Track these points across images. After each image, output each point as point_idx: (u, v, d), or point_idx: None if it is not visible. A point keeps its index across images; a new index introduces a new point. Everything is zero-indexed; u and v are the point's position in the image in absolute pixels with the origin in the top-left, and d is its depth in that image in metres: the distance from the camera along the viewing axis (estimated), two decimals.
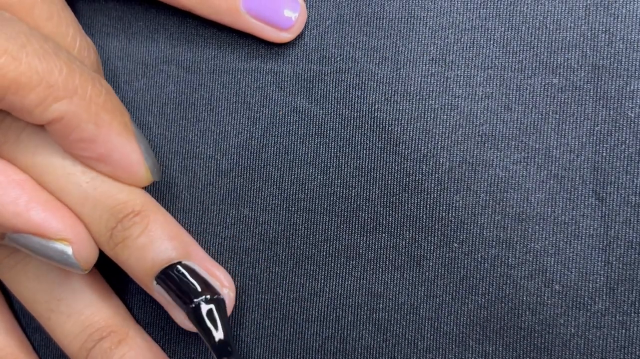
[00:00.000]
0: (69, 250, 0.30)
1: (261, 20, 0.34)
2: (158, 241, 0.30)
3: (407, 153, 0.33)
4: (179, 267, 0.30)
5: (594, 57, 0.32)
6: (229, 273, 0.35)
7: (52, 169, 0.30)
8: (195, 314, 0.30)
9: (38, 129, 0.30)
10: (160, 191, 0.35)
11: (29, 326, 0.36)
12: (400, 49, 0.33)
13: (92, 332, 0.33)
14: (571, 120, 0.32)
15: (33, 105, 0.28)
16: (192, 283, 0.30)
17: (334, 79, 0.34)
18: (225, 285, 0.32)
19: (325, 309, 0.34)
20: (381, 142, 0.33)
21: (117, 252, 0.31)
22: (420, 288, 0.33)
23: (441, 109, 0.33)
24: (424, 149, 0.33)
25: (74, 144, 0.29)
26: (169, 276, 0.30)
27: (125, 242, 0.30)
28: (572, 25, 0.33)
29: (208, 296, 0.30)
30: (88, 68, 0.30)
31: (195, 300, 0.30)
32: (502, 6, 0.33)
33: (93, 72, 0.30)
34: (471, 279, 0.33)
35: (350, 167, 0.34)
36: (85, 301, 0.33)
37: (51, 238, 0.30)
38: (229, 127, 0.35)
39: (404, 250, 0.33)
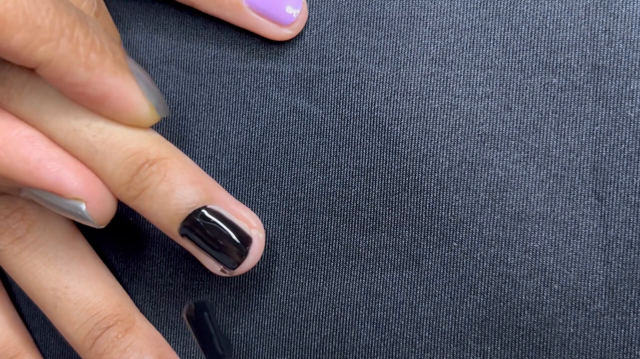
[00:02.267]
0: (82, 207, 0.29)
1: (263, 16, 0.34)
2: (179, 187, 0.29)
3: (407, 153, 0.33)
4: (204, 212, 0.30)
5: (594, 56, 0.32)
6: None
7: (58, 126, 0.29)
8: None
9: (40, 84, 0.30)
10: None
11: (28, 326, 0.36)
12: (400, 48, 0.33)
13: (99, 321, 0.33)
14: (571, 120, 0.32)
15: (20, 46, 0.27)
16: (219, 226, 0.30)
17: (334, 79, 0.34)
18: (253, 226, 0.31)
19: (324, 309, 0.34)
20: (381, 141, 0.33)
21: (138, 203, 0.30)
22: (419, 287, 0.33)
23: (441, 108, 0.33)
24: (423, 148, 0.33)
25: (67, 88, 0.28)
26: (195, 223, 0.30)
27: (145, 192, 0.30)
28: (571, 25, 0.32)
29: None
30: (80, 10, 0.29)
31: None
32: (502, 6, 0.33)
33: (82, 12, 0.29)
34: (470, 278, 0.33)
35: (350, 167, 0.34)
36: (93, 289, 0.33)
37: (64, 196, 0.29)
38: (229, 127, 0.35)
39: (403, 249, 0.33)
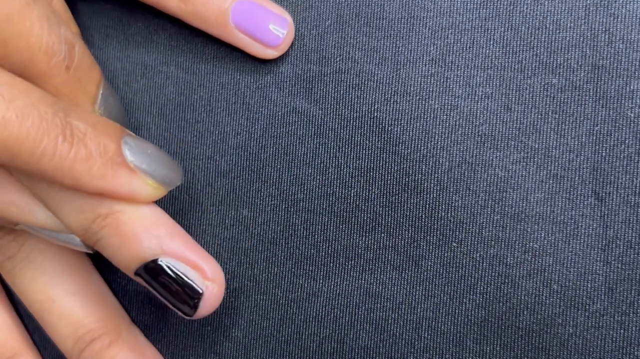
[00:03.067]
0: (76, 239, 0.31)
1: (249, 36, 0.34)
2: (129, 241, 0.30)
3: (407, 153, 0.33)
4: (153, 266, 0.30)
5: (594, 57, 0.32)
6: (228, 274, 0.35)
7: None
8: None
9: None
10: None
11: (27, 327, 0.36)
12: (400, 49, 0.33)
13: (83, 334, 0.33)
14: (571, 120, 0.32)
15: (5, 162, 0.27)
16: (167, 281, 0.30)
17: (334, 80, 0.34)
18: (207, 277, 0.31)
19: (323, 310, 0.34)
20: (381, 142, 0.33)
21: (97, 249, 0.31)
22: (418, 288, 0.33)
23: (441, 109, 0.33)
24: (423, 149, 0.33)
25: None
26: (144, 275, 0.30)
27: (98, 244, 0.30)
28: (571, 25, 0.32)
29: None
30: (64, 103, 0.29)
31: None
32: (501, 6, 0.33)
33: (66, 118, 0.29)
34: (470, 278, 0.33)
35: (349, 168, 0.34)
36: (79, 302, 0.34)
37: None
38: (228, 128, 0.35)
39: (402, 250, 0.33)
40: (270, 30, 0.34)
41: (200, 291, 0.30)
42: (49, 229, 0.31)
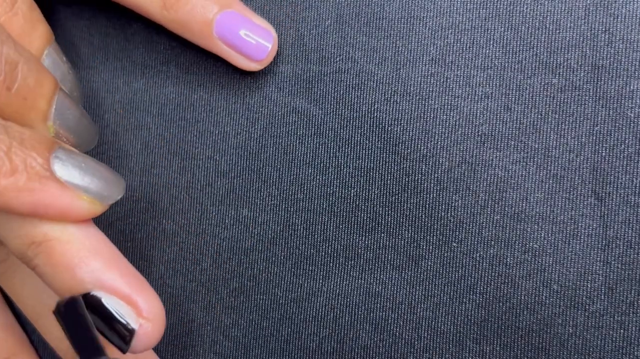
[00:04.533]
0: None
1: (233, 48, 0.33)
2: (60, 272, 0.28)
3: (407, 153, 0.33)
4: (82, 302, 0.28)
5: (594, 57, 0.32)
6: (228, 274, 0.35)
7: None
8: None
9: None
10: (159, 191, 0.35)
11: (25, 328, 0.36)
12: (400, 49, 0.33)
13: None
14: (571, 120, 0.32)
15: None
16: (97, 318, 0.29)
17: (334, 80, 0.34)
18: (142, 314, 0.29)
19: (323, 309, 0.34)
20: (381, 142, 0.33)
21: (35, 274, 0.30)
22: (418, 288, 0.33)
23: (441, 109, 0.33)
24: (423, 149, 0.33)
25: None
26: (74, 309, 0.28)
27: (35, 270, 0.29)
28: (571, 25, 0.32)
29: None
30: None
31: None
32: (501, 6, 0.33)
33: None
34: (469, 278, 0.33)
35: (349, 168, 0.34)
36: None
37: None
38: (228, 128, 0.35)
39: (402, 250, 0.33)
40: (254, 44, 0.33)
41: (133, 329, 0.29)
42: None
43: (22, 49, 0.29)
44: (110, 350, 0.31)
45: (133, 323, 0.29)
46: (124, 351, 0.29)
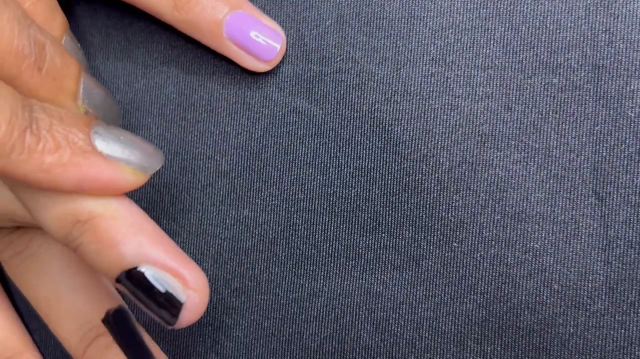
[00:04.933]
0: None
1: (242, 49, 0.34)
2: (107, 249, 0.29)
3: (407, 153, 0.33)
4: (131, 275, 0.29)
5: (594, 57, 0.32)
6: (229, 274, 0.35)
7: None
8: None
9: None
10: (160, 191, 0.35)
11: (28, 327, 0.36)
12: (401, 49, 0.33)
13: (88, 330, 0.33)
14: (571, 120, 0.32)
15: None
16: (146, 290, 0.29)
17: (334, 80, 0.34)
18: (189, 285, 0.29)
19: (324, 309, 0.34)
20: (381, 142, 0.33)
21: (78, 255, 0.30)
22: (419, 288, 0.33)
23: (441, 109, 0.33)
24: (424, 149, 0.33)
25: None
26: (124, 283, 0.29)
27: (79, 250, 0.29)
28: (572, 25, 0.32)
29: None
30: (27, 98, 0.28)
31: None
32: (502, 6, 0.33)
33: (32, 113, 0.28)
34: (470, 278, 0.33)
35: (350, 168, 0.34)
36: (84, 299, 0.34)
37: None
38: (229, 128, 0.35)
39: (403, 250, 0.33)
40: (264, 45, 0.33)
41: (181, 301, 0.29)
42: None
43: (47, 33, 0.30)
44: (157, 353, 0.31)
45: (181, 295, 0.29)
46: (172, 325, 0.29)
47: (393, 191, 0.33)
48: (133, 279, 0.29)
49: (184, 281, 0.29)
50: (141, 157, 0.30)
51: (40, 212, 0.29)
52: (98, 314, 0.33)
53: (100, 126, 0.29)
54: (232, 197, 0.35)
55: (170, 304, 0.29)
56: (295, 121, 0.34)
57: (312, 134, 0.34)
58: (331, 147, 0.34)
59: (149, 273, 0.29)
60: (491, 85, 0.33)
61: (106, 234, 0.29)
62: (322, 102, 0.34)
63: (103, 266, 0.29)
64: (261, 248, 0.34)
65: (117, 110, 0.33)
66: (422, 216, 0.33)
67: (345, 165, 0.34)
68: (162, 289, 0.29)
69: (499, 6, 0.33)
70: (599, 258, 0.32)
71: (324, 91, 0.34)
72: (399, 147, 0.33)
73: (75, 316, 0.33)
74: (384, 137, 0.33)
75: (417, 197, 0.33)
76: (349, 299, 0.34)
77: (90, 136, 0.29)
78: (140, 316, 0.36)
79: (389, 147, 0.33)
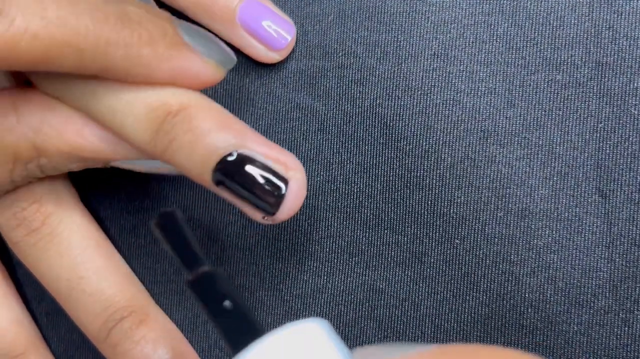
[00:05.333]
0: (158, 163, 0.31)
1: (254, 37, 0.34)
2: (206, 135, 0.28)
3: (409, 149, 0.33)
4: (234, 157, 0.28)
5: (598, 53, 0.32)
6: (232, 270, 0.35)
7: (78, 98, 0.30)
8: None
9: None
10: (163, 188, 0.35)
11: (39, 324, 0.36)
12: (402, 43, 0.33)
13: (113, 312, 0.32)
14: (574, 117, 0.32)
15: (73, 68, 0.27)
16: (251, 170, 0.28)
17: (336, 75, 0.34)
18: (290, 167, 0.29)
19: (327, 306, 0.34)
20: (383, 138, 0.33)
21: (167, 157, 0.29)
22: (421, 285, 0.33)
23: (443, 104, 0.33)
24: (425, 144, 0.33)
25: (134, 81, 0.29)
26: (225, 170, 0.28)
27: (171, 145, 0.28)
28: (575, 21, 0.32)
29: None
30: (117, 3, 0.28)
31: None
32: (505, 2, 0.33)
33: (120, 5, 0.28)
34: (473, 276, 0.33)
35: (352, 164, 0.34)
36: (108, 280, 0.33)
37: None
38: None
39: (405, 246, 0.33)
40: (276, 33, 0.34)
41: (286, 180, 0.28)
42: (134, 158, 0.30)
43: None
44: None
45: (285, 176, 0.28)
46: (275, 211, 0.29)
47: (395, 187, 0.33)
48: (234, 167, 0.28)
49: (284, 164, 0.29)
50: (221, 52, 0.30)
51: (126, 112, 0.29)
52: (121, 297, 0.33)
53: (181, 22, 0.29)
54: None
55: (272, 189, 0.28)
56: (298, 117, 0.34)
57: (314, 130, 0.34)
58: (334, 143, 0.34)
59: (250, 156, 0.28)
60: (494, 81, 0.33)
61: (202, 123, 0.28)
62: (325, 98, 0.34)
63: (198, 158, 0.28)
64: (265, 244, 0.34)
65: (225, 48, 0.32)
66: (424, 213, 0.33)
67: (348, 161, 0.34)
68: (264, 175, 0.28)
69: (502, 2, 0.33)
70: (603, 256, 0.32)
71: (326, 87, 0.34)
72: (400, 143, 0.33)
73: (99, 298, 0.32)
74: (386, 133, 0.33)
75: (419, 194, 0.33)
76: (352, 296, 0.34)
77: (178, 29, 0.29)
78: None
79: (391, 143, 0.33)
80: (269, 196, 0.28)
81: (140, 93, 0.29)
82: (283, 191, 0.28)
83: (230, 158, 0.28)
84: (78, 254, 0.33)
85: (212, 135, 0.28)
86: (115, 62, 0.27)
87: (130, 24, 0.27)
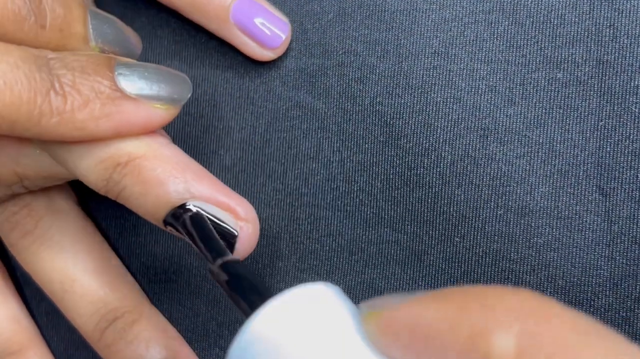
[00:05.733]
0: None
1: (248, 35, 0.33)
2: (154, 187, 0.28)
3: (409, 147, 0.33)
4: (180, 211, 0.28)
5: (598, 52, 0.32)
6: None
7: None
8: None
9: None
10: None
11: (37, 321, 0.36)
12: (403, 42, 0.33)
13: (105, 313, 0.33)
14: (575, 115, 0.32)
15: (8, 132, 0.27)
16: (197, 225, 0.28)
17: (336, 73, 0.34)
18: (240, 217, 0.29)
19: None
20: (383, 136, 0.33)
21: (121, 202, 0.29)
22: (421, 283, 0.33)
23: (444, 102, 0.33)
24: (426, 142, 0.33)
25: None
26: (173, 222, 0.28)
27: (122, 194, 0.29)
28: (576, 19, 0.32)
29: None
30: (49, 60, 0.28)
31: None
32: (506, 0, 0.33)
33: (54, 60, 0.28)
34: (473, 274, 0.33)
35: (352, 162, 0.34)
36: (99, 281, 0.33)
37: None
38: (232, 123, 0.35)
39: (405, 244, 0.33)
40: (270, 32, 0.33)
41: (235, 233, 0.29)
42: None
43: None
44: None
45: (234, 227, 0.29)
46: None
47: (395, 186, 0.33)
48: (183, 217, 0.28)
49: (235, 214, 0.29)
50: (170, 89, 0.29)
51: (77, 163, 0.29)
52: (114, 297, 0.33)
53: (123, 66, 0.29)
54: (235, 191, 0.35)
55: (224, 238, 0.28)
56: (299, 115, 0.34)
57: (315, 129, 0.34)
58: (334, 142, 0.34)
59: (200, 208, 0.28)
60: (494, 79, 0.33)
61: (151, 174, 0.28)
62: (325, 97, 0.34)
63: (149, 208, 0.28)
64: (264, 243, 0.34)
65: (133, 37, 0.32)
66: (424, 211, 0.33)
67: (348, 159, 0.34)
68: (214, 224, 0.28)
69: (502, 0, 0.33)
70: (603, 254, 0.32)
71: (326, 85, 0.34)
72: (401, 141, 0.33)
73: (91, 299, 0.33)
74: (386, 131, 0.33)
75: (419, 192, 0.33)
76: (352, 294, 0.34)
77: (115, 79, 0.28)
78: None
79: (391, 141, 0.33)
80: (216, 248, 0.28)
81: (89, 146, 0.29)
82: (232, 244, 0.29)
83: (180, 209, 0.28)
84: (71, 257, 0.33)
85: (161, 187, 0.28)
86: (50, 129, 0.27)
87: (63, 89, 0.27)
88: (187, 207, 0.28)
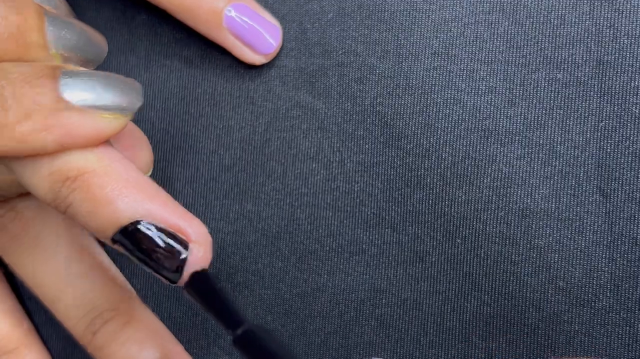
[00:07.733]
0: None
1: (240, 40, 0.34)
2: (102, 205, 0.27)
3: (410, 148, 0.33)
4: (130, 231, 0.27)
5: (599, 52, 0.32)
6: (232, 268, 0.35)
7: None
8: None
9: None
10: (162, 186, 0.35)
11: (34, 320, 0.36)
12: (403, 42, 0.33)
13: (95, 315, 0.32)
14: (575, 116, 0.32)
15: None
16: (146, 245, 0.27)
17: (336, 73, 0.34)
18: (191, 239, 0.27)
19: (328, 305, 0.34)
20: (384, 136, 0.33)
21: (70, 217, 0.28)
22: (423, 284, 0.33)
23: (444, 103, 0.33)
24: (426, 143, 0.33)
25: None
26: (121, 241, 0.27)
27: (69, 209, 0.28)
28: (576, 20, 0.32)
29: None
30: None
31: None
32: (505, 0, 0.33)
33: None
34: (474, 275, 0.33)
35: (352, 162, 0.34)
36: (90, 284, 0.33)
37: None
38: (232, 122, 0.35)
39: (407, 245, 0.33)
40: (262, 37, 0.34)
41: (184, 256, 0.27)
42: None
43: None
44: None
45: (183, 250, 0.27)
46: (175, 281, 0.27)
47: (396, 186, 0.33)
48: (131, 237, 0.27)
49: (186, 235, 0.27)
50: (118, 98, 0.28)
51: (27, 175, 0.28)
52: (105, 300, 0.33)
53: (68, 76, 0.27)
54: (235, 191, 0.35)
55: (172, 260, 0.27)
56: (299, 115, 0.34)
57: (315, 129, 0.34)
58: (334, 142, 0.34)
59: (148, 228, 0.27)
60: (494, 79, 0.33)
61: (100, 191, 0.27)
62: (325, 96, 0.34)
63: (97, 226, 0.27)
64: (264, 243, 0.34)
65: (99, 41, 0.31)
66: (425, 212, 0.33)
67: (348, 160, 0.34)
68: (163, 245, 0.27)
69: (502, 0, 0.33)
70: (604, 255, 0.32)
71: (326, 85, 0.34)
72: (401, 141, 0.33)
73: (82, 303, 0.32)
74: (387, 131, 0.33)
75: (420, 193, 0.33)
76: (353, 295, 0.34)
77: (59, 89, 0.27)
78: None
79: (391, 142, 0.33)
80: (167, 269, 0.27)
81: (37, 159, 0.28)
82: (181, 267, 0.27)
83: (129, 229, 0.27)
84: (62, 260, 0.33)
85: (110, 206, 0.27)
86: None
87: (4, 101, 0.26)
88: (136, 226, 0.27)
